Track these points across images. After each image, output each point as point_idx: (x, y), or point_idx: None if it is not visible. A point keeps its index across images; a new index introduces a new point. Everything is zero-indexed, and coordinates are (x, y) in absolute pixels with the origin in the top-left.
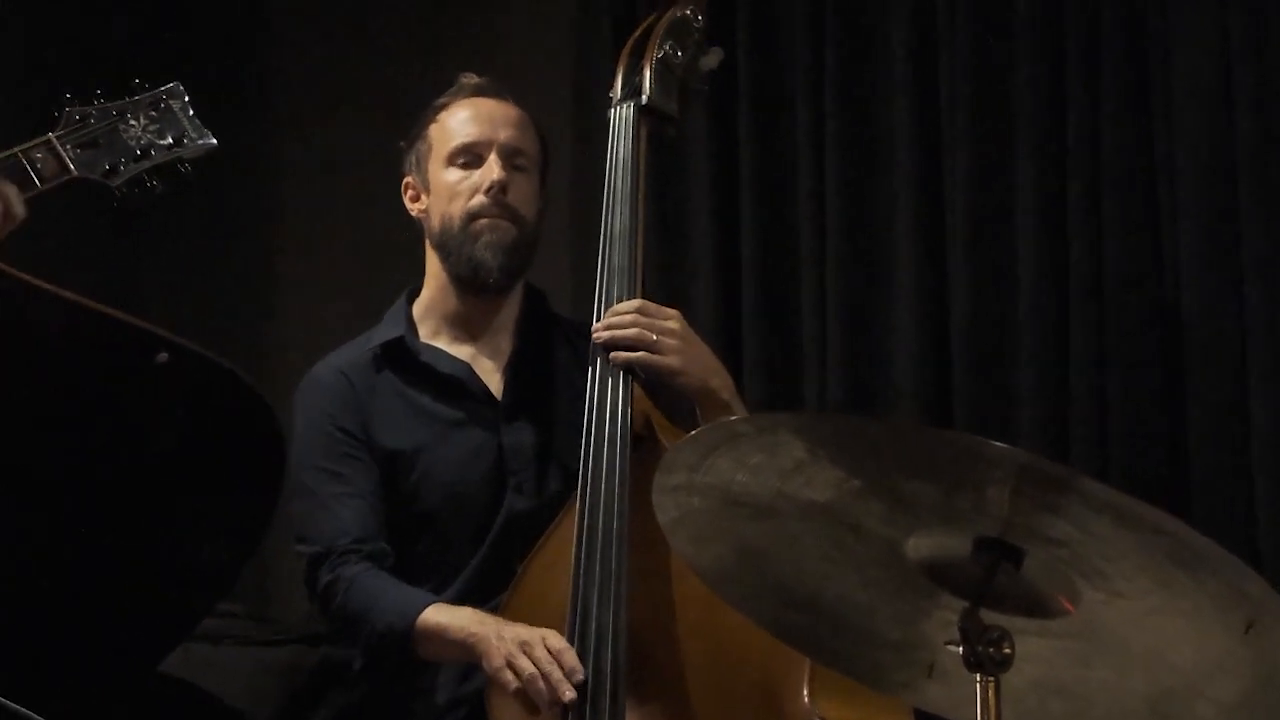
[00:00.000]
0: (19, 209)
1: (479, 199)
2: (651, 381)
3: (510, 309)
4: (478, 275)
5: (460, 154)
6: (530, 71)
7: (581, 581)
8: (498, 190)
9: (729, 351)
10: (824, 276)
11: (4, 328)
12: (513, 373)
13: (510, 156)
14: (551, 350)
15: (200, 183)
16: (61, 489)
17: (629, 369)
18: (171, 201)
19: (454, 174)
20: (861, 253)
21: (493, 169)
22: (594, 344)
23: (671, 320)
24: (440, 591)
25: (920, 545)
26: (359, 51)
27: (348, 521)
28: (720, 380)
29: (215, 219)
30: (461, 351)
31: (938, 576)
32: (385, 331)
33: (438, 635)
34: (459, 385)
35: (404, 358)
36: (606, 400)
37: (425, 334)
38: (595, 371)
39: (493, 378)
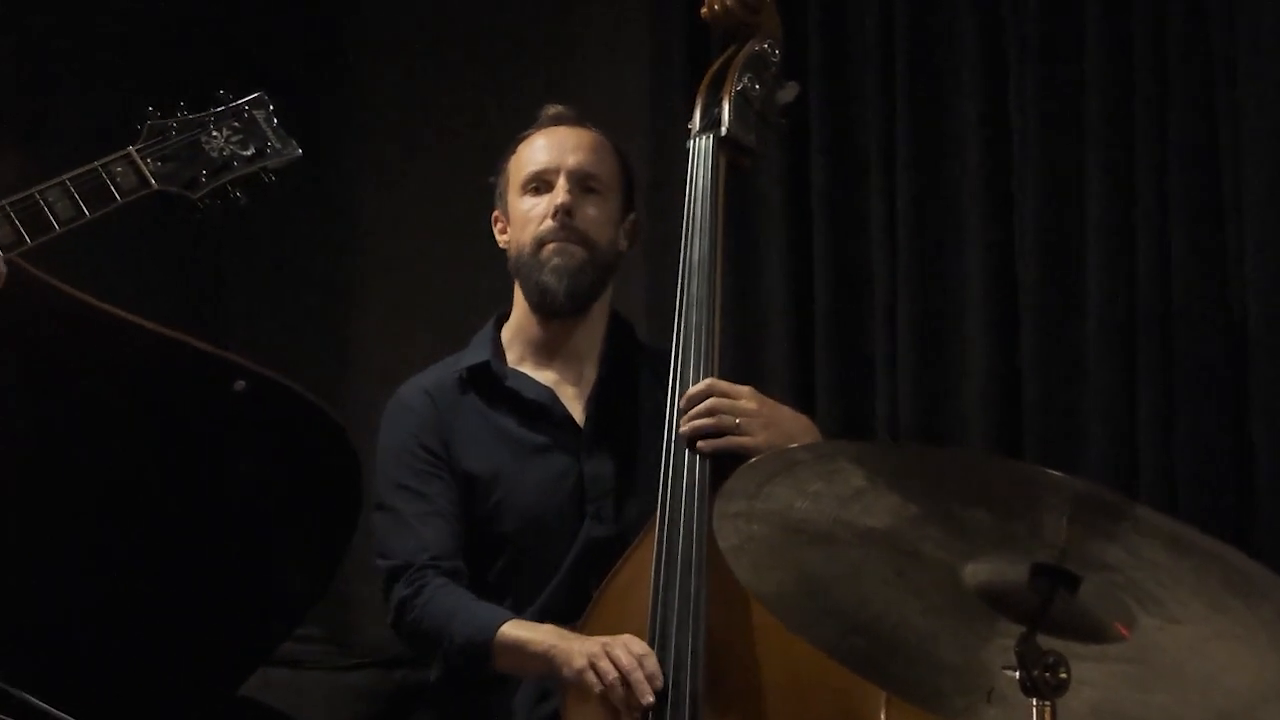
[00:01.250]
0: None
1: (547, 224)
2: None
3: (593, 336)
4: (545, 299)
5: (531, 181)
6: (605, 104)
7: (660, 604)
8: (563, 214)
9: (802, 381)
10: (895, 307)
11: (85, 356)
12: (596, 401)
13: (580, 180)
14: (635, 378)
15: (281, 210)
16: (141, 515)
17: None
18: (252, 228)
19: (527, 201)
20: (932, 283)
21: (559, 193)
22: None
23: (744, 399)
24: (516, 615)
25: (978, 571)
26: (439, 82)
27: (428, 539)
28: (810, 439)
29: (295, 246)
30: (545, 377)
31: (995, 602)
32: (472, 356)
33: (518, 649)
34: (543, 411)
35: (489, 382)
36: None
37: (511, 359)
38: (672, 450)
39: (575, 405)
